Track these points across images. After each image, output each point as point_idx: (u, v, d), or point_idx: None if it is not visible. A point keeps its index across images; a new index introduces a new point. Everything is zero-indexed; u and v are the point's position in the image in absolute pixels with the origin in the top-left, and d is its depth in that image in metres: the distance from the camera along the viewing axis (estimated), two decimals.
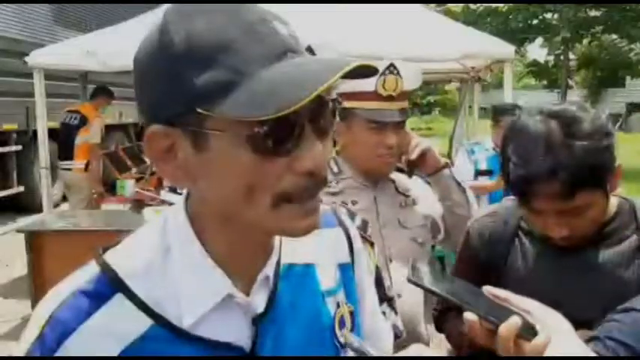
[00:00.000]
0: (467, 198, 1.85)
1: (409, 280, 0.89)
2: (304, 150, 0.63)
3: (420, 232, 1.80)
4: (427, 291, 0.90)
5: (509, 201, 1.48)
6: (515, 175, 1.19)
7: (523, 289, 1.34)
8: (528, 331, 0.85)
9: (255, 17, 0.63)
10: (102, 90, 6.53)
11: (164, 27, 0.64)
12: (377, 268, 1.37)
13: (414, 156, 1.80)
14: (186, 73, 0.61)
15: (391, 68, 1.68)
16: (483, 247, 1.44)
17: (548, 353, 0.83)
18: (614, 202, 1.30)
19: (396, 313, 1.42)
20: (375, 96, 1.66)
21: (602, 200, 1.22)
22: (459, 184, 1.87)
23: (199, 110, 0.61)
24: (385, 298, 1.36)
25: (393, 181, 1.84)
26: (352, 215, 1.40)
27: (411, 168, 1.85)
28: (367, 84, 1.61)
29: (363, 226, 1.38)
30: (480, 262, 1.43)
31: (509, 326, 0.85)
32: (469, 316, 0.87)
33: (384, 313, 1.33)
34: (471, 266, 1.47)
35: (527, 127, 1.21)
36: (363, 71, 0.64)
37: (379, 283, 1.36)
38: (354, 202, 1.69)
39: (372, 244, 1.37)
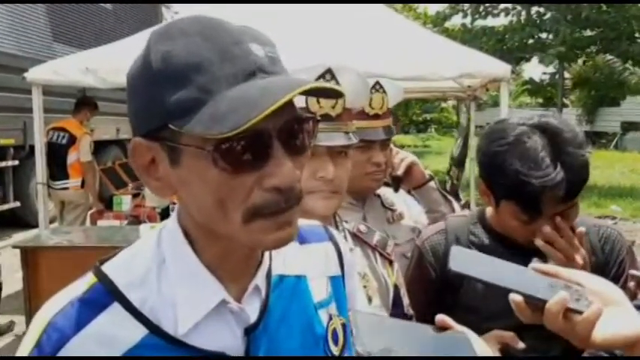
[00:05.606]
0: (453, 209, 1.86)
1: (450, 271, 0.88)
2: (272, 166, 0.66)
3: (408, 247, 1.79)
4: (471, 278, 0.89)
5: (454, 217, 1.52)
6: (534, 185, 1.24)
7: (483, 302, 1.34)
8: (579, 304, 0.84)
9: (230, 39, 0.66)
10: (84, 102, 6.44)
11: (147, 48, 0.69)
12: (395, 287, 1.35)
13: (400, 171, 1.81)
14: (161, 91, 0.65)
15: (377, 86, 1.67)
16: (438, 265, 1.45)
17: (600, 325, 0.82)
18: None
19: None
20: (361, 115, 1.63)
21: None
22: (444, 195, 1.88)
23: (171, 126, 0.64)
24: (404, 316, 1.35)
25: (379, 197, 1.84)
26: (372, 232, 1.39)
27: (397, 183, 1.86)
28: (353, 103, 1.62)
29: (382, 244, 1.37)
30: (435, 280, 1.44)
31: (556, 303, 0.84)
32: (515, 297, 0.87)
33: None
34: (425, 285, 1.47)
35: (523, 140, 1.26)
36: (328, 92, 0.67)
37: (397, 302, 1.35)
38: (345, 222, 1.69)
39: (390, 262, 1.36)
